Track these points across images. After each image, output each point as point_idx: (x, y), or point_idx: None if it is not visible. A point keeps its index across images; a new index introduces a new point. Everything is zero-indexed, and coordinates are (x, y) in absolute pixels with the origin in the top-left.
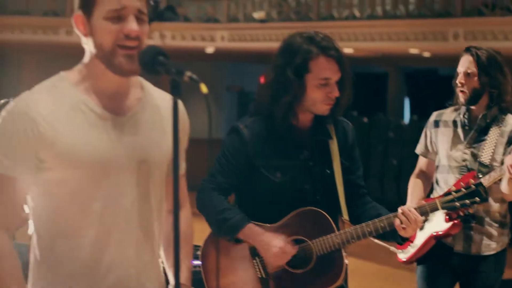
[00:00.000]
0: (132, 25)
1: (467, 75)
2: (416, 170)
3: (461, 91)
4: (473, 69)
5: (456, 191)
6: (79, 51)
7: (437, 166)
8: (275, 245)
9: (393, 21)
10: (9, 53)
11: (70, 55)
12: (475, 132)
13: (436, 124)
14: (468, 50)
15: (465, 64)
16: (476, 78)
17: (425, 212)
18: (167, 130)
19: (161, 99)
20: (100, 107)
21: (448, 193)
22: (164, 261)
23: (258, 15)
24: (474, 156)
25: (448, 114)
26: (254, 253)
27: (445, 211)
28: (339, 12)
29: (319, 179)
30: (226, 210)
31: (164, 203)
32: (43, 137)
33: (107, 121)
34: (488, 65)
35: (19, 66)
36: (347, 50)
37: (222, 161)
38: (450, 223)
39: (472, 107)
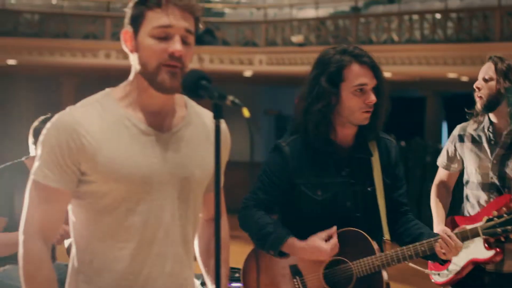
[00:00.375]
0: (177, 45)
1: (484, 80)
2: (437, 181)
3: (479, 97)
4: (491, 74)
5: (498, 217)
6: (118, 74)
7: (467, 182)
8: (324, 246)
9: (431, 46)
10: (48, 75)
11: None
12: (501, 149)
13: (461, 138)
14: (490, 58)
15: (484, 70)
16: (493, 82)
17: (466, 237)
18: (209, 147)
19: (205, 117)
20: (144, 123)
21: (490, 219)
22: (202, 268)
23: (296, 39)
24: (502, 174)
25: (471, 127)
26: (295, 272)
27: (485, 236)
28: (377, 36)
29: (360, 197)
30: (269, 224)
31: (199, 217)
32: (86, 150)
33: (151, 137)
34: (507, 71)
35: (58, 88)
36: (385, 74)
37: (263, 179)
38: (492, 251)
39: (494, 120)
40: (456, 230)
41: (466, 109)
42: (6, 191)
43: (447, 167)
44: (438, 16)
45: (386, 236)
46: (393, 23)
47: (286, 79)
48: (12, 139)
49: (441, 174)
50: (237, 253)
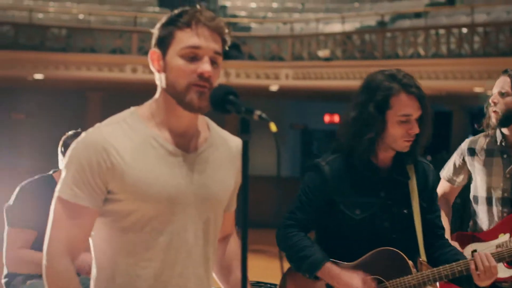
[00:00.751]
0: (206, 66)
1: (500, 94)
2: (438, 195)
3: (494, 111)
4: (507, 89)
5: None
6: (144, 89)
7: (475, 197)
8: (355, 285)
9: (457, 60)
10: (74, 89)
11: (135, 92)
12: None
13: (471, 152)
14: (505, 71)
15: (499, 84)
16: (509, 98)
17: (503, 258)
18: (231, 168)
19: (227, 139)
20: (171, 143)
21: None
22: (221, 285)
23: (322, 53)
24: None
25: (482, 141)
26: None
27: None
28: (403, 50)
29: (397, 219)
30: (306, 247)
31: (217, 238)
32: (115, 169)
33: (178, 158)
34: None
35: (84, 102)
36: None
37: (302, 198)
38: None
39: (507, 134)
40: (493, 251)
41: (475, 124)
42: (35, 204)
43: (451, 181)
44: (464, 30)
45: (422, 257)
46: (420, 37)
47: (312, 94)
48: (39, 152)
49: (444, 187)
50: (260, 267)
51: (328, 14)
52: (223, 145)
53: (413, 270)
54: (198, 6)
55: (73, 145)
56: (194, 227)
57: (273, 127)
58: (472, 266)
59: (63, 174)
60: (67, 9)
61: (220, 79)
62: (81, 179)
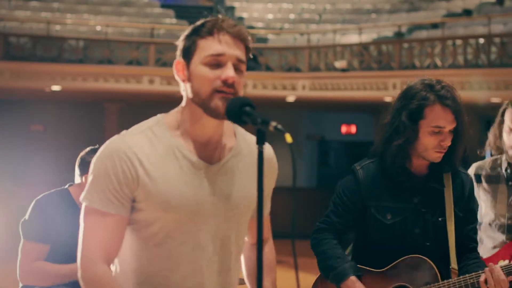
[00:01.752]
0: (229, 72)
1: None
2: None
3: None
4: None
5: None
6: (162, 100)
7: (479, 223)
8: None
9: (474, 70)
10: (92, 101)
11: (153, 103)
12: None
13: (478, 179)
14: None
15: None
16: None
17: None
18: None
19: (253, 144)
20: (194, 154)
21: None
22: None
23: (339, 64)
24: None
25: (488, 167)
26: None
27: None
28: (420, 61)
29: (430, 226)
30: (334, 258)
31: (242, 244)
32: (139, 178)
33: (201, 170)
34: None
35: (101, 114)
36: None
37: (336, 201)
38: None
39: None
40: (503, 265)
41: (478, 151)
42: (50, 218)
43: None
44: (481, 40)
45: (453, 265)
46: (437, 48)
47: (329, 104)
48: (57, 164)
49: None
50: (280, 277)
51: (345, 25)
52: (250, 152)
53: (440, 277)
54: (220, 16)
55: (97, 153)
56: (215, 238)
57: (288, 138)
58: (482, 279)
59: (89, 182)
60: (84, 21)
61: None
62: (108, 188)
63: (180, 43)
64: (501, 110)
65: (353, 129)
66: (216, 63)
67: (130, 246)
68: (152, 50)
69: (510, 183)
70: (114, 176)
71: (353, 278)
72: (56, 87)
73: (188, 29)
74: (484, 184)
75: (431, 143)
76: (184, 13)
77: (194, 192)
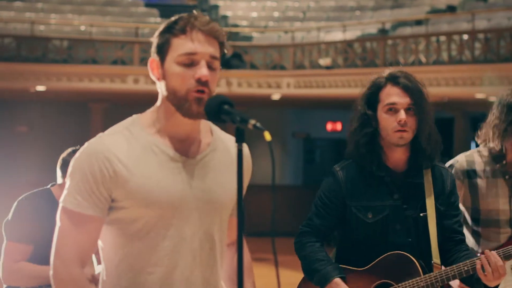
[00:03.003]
0: (203, 71)
1: None
2: None
3: None
4: None
5: None
6: (147, 99)
7: (477, 219)
8: None
9: (459, 66)
10: (77, 101)
11: (138, 102)
12: None
13: (470, 175)
14: None
15: None
16: None
17: (509, 256)
18: (234, 173)
19: (229, 142)
20: (171, 149)
21: None
22: None
23: (324, 61)
24: None
25: (478, 160)
26: None
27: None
28: (405, 57)
29: (411, 222)
30: (317, 261)
31: (225, 241)
32: (118, 177)
33: (179, 163)
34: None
35: (86, 114)
36: None
37: (318, 203)
38: None
39: (507, 154)
40: (499, 249)
41: (476, 135)
42: (32, 218)
43: None
44: (465, 37)
45: (435, 259)
46: (421, 44)
47: (314, 102)
48: (42, 165)
49: None
50: (264, 275)
51: (329, 23)
52: (226, 149)
53: (422, 272)
54: (194, 12)
55: (76, 155)
56: (199, 231)
57: (267, 136)
58: (478, 266)
59: (67, 184)
60: (69, 21)
61: (222, 89)
62: (85, 188)
63: (154, 40)
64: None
65: (338, 126)
66: (189, 62)
67: (115, 247)
68: (136, 50)
69: (506, 177)
70: (91, 177)
71: (337, 280)
72: (40, 88)
73: (162, 26)
74: (480, 179)
75: (389, 123)
76: (168, 12)
77: (175, 186)
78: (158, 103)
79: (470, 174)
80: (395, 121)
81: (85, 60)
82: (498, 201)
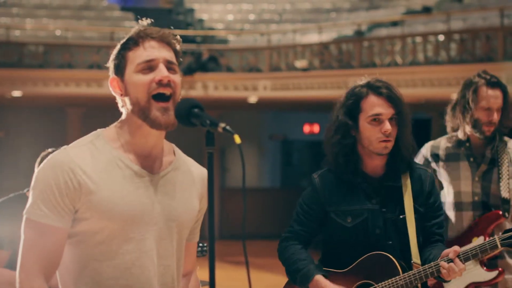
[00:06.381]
0: (163, 72)
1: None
2: None
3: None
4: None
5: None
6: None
7: (443, 203)
8: None
9: (435, 67)
10: (53, 106)
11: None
12: (485, 165)
13: (436, 158)
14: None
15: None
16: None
17: (485, 250)
18: (194, 193)
19: (191, 165)
20: (136, 164)
21: (507, 231)
22: None
23: (300, 64)
24: (487, 191)
25: (444, 145)
26: None
27: (477, 258)
28: (381, 59)
29: (390, 225)
30: (299, 260)
31: (182, 268)
32: (81, 188)
33: (143, 178)
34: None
35: (63, 118)
36: None
37: (298, 211)
38: (495, 272)
39: (471, 137)
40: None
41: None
42: (8, 224)
43: None
44: (441, 37)
45: (415, 259)
46: (396, 46)
47: (291, 104)
48: (20, 170)
49: None
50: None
51: (305, 25)
52: (187, 171)
53: (401, 271)
54: (145, 23)
55: (40, 166)
56: (160, 246)
57: (237, 139)
58: (443, 271)
59: (31, 195)
60: (44, 26)
61: (198, 92)
62: (50, 200)
63: (110, 63)
64: (469, 87)
65: (316, 128)
66: (148, 68)
67: (74, 259)
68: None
69: (471, 159)
70: (56, 188)
71: (318, 277)
72: (16, 93)
73: (116, 48)
74: (444, 162)
75: (373, 134)
76: (143, 16)
77: (138, 200)
78: (123, 117)
79: (434, 157)
80: (379, 132)
81: (61, 65)
82: (460, 184)
